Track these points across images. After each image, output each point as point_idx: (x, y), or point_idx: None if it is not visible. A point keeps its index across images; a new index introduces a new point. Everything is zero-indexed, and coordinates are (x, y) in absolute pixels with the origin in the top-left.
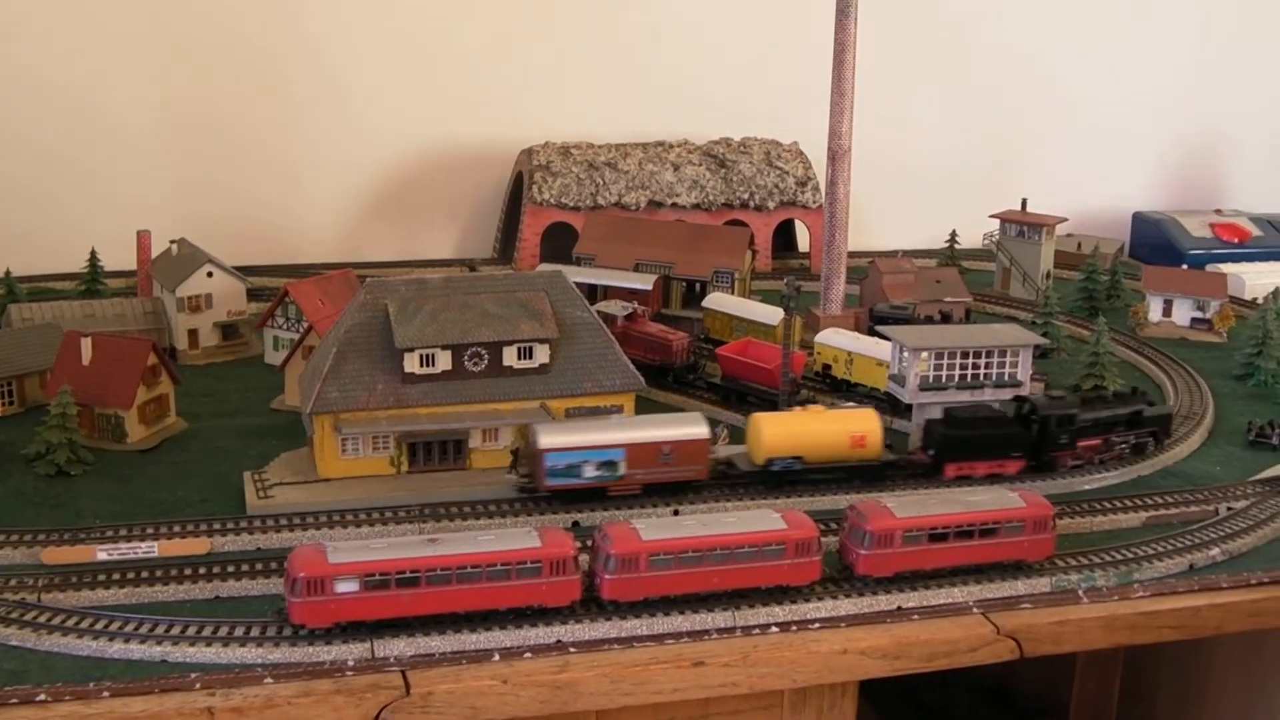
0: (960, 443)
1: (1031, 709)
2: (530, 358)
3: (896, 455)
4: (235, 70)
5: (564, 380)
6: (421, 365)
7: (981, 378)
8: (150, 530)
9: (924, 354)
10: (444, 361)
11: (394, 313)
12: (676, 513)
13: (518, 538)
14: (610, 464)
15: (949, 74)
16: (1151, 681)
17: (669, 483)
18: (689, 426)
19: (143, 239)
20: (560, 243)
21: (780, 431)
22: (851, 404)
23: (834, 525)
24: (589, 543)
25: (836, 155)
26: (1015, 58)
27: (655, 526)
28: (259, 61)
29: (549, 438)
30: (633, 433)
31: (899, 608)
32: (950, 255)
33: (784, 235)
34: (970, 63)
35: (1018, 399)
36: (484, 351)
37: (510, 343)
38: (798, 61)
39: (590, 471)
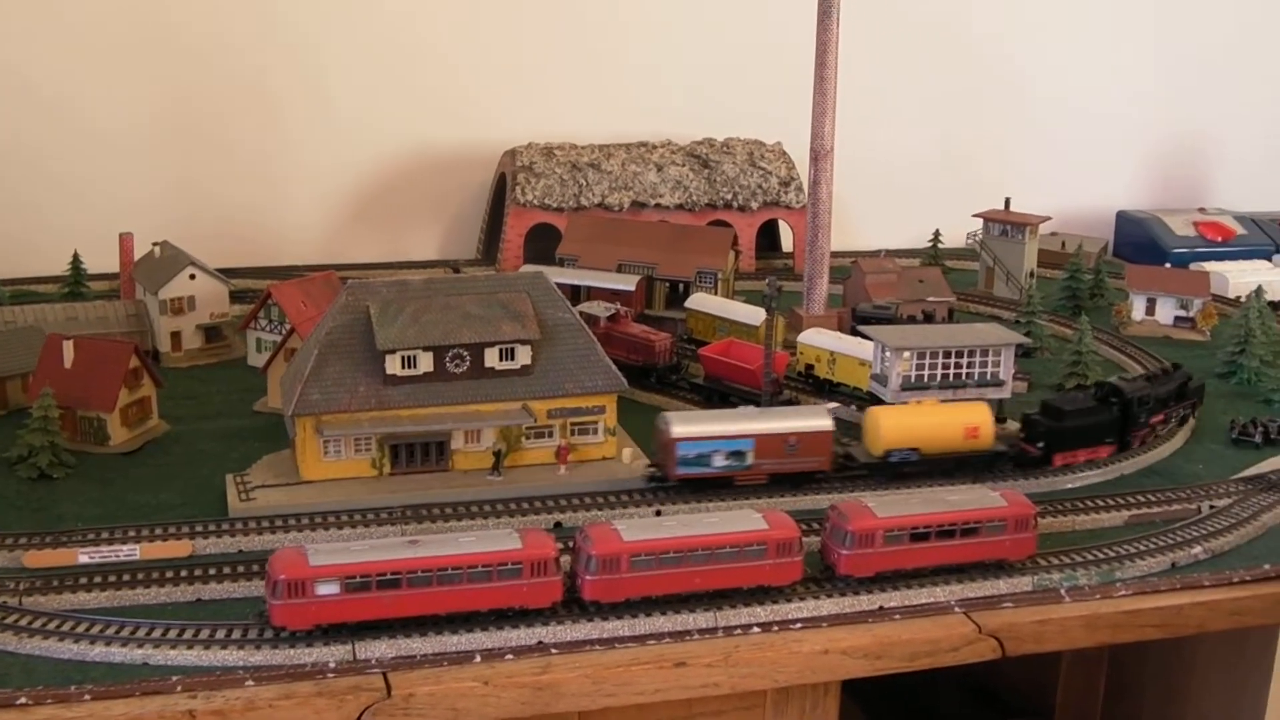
0: (1067, 434)
1: (1017, 708)
2: (512, 359)
3: (1007, 446)
4: (218, 72)
5: (546, 381)
6: (403, 367)
7: (964, 377)
8: (132, 533)
9: (906, 354)
10: (426, 363)
11: (375, 314)
12: (659, 513)
13: (499, 539)
14: (739, 454)
15: (932, 73)
16: (1136, 680)
17: (793, 473)
18: (814, 419)
19: (125, 241)
20: (544, 244)
21: (898, 424)
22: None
23: (816, 525)
24: (570, 544)
25: (819, 155)
26: (999, 57)
27: (636, 527)
28: (242, 64)
29: (682, 427)
30: (762, 424)
31: (881, 607)
32: (934, 255)
33: (768, 235)
34: (953, 62)
35: (1099, 384)
36: (466, 353)
37: (492, 344)
38: (781, 61)
39: (719, 461)
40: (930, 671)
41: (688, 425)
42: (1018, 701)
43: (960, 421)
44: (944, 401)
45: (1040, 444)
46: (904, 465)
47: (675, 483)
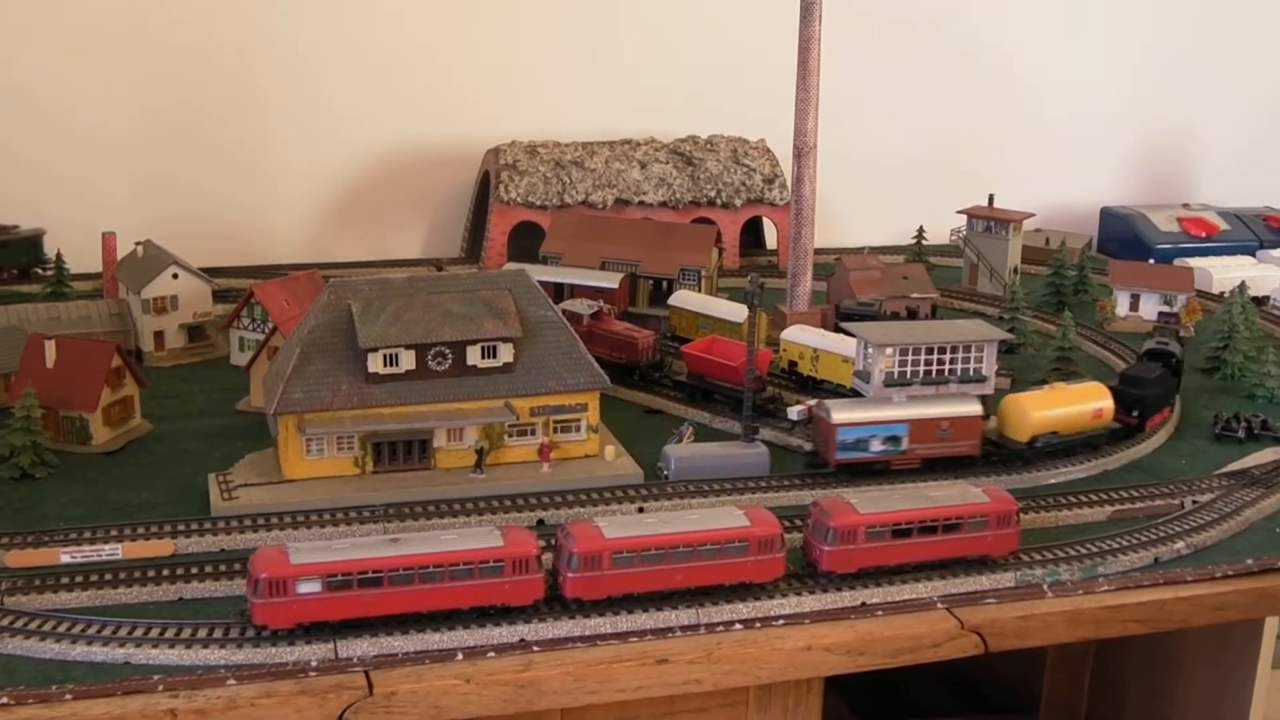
0: (1149, 400)
1: (1002, 703)
2: (494, 356)
3: (1115, 424)
4: (201, 71)
5: (528, 379)
6: (385, 365)
7: (946, 373)
8: (114, 533)
9: (888, 350)
10: (408, 361)
11: (357, 313)
12: (641, 510)
13: (480, 537)
14: (895, 439)
15: (916, 70)
16: (1121, 674)
17: (945, 458)
18: (964, 405)
19: (108, 241)
20: (528, 242)
21: (1044, 411)
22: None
23: (798, 522)
24: (552, 541)
25: (802, 153)
26: (983, 54)
27: (618, 524)
28: (226, 63)
29: (842, 413)
30: (916, 409)
31: (863, 604)
32: (918, 251)
33: (752, 232)
34: (938, 58)
35: (1154, 353)
36: (448, 351)
37: (474, 342)
38: (765, 58)
39: (877, 446)
40: (915, 667)
41: (847, 411)
42: (1003, 697)
43: (1090, 405)
44: (1068, 385)
45: (1134, 413)
46: (1047, 448)
47: (834, 468)
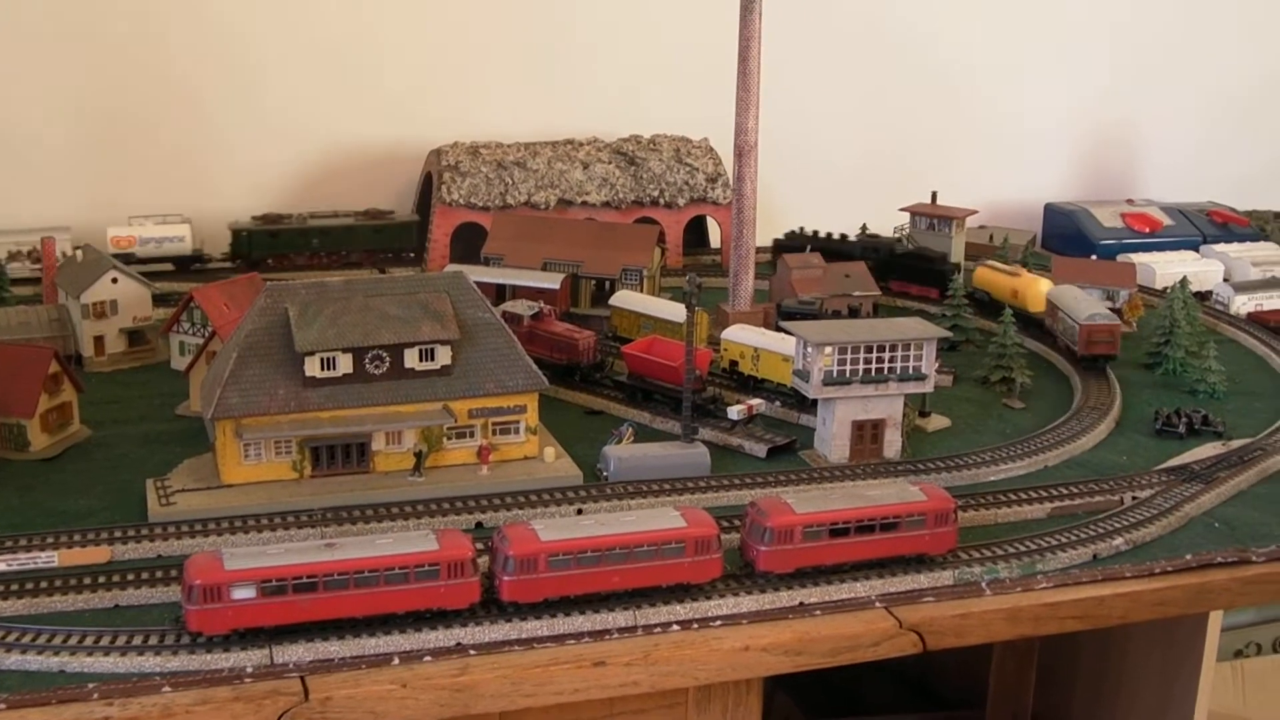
0: None
1: (951, 699)
2: (432, 359)
3: None
4: (142, 71)
5: (466, 381)
6: (323, 369)
7: (886, 371)
8: (50, 540)
9: (827, 349)
10: (345, 365)
11: (294, 316)
12: (580, 511)
13: (415, 541)
14: None
15: (859, 67)
16: (1068, 668)
17: None
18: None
19: (47, 245)
20: (470, 243)
21: None
22: None
23: (736, 522)
24: (488, 544)
25: (743, 151)
26: (926, 50)
27: (554, 527)
28: (167, 62)
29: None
30: None
31: (801, 603)
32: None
33: (696, 232)
34: (880, 56)
35: None
36: (385, 354)
37: (411, 345)
38: (707, 57)
39: None
40: (865, 664)
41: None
42: (951, 692)
43: None
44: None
45: None
46: None
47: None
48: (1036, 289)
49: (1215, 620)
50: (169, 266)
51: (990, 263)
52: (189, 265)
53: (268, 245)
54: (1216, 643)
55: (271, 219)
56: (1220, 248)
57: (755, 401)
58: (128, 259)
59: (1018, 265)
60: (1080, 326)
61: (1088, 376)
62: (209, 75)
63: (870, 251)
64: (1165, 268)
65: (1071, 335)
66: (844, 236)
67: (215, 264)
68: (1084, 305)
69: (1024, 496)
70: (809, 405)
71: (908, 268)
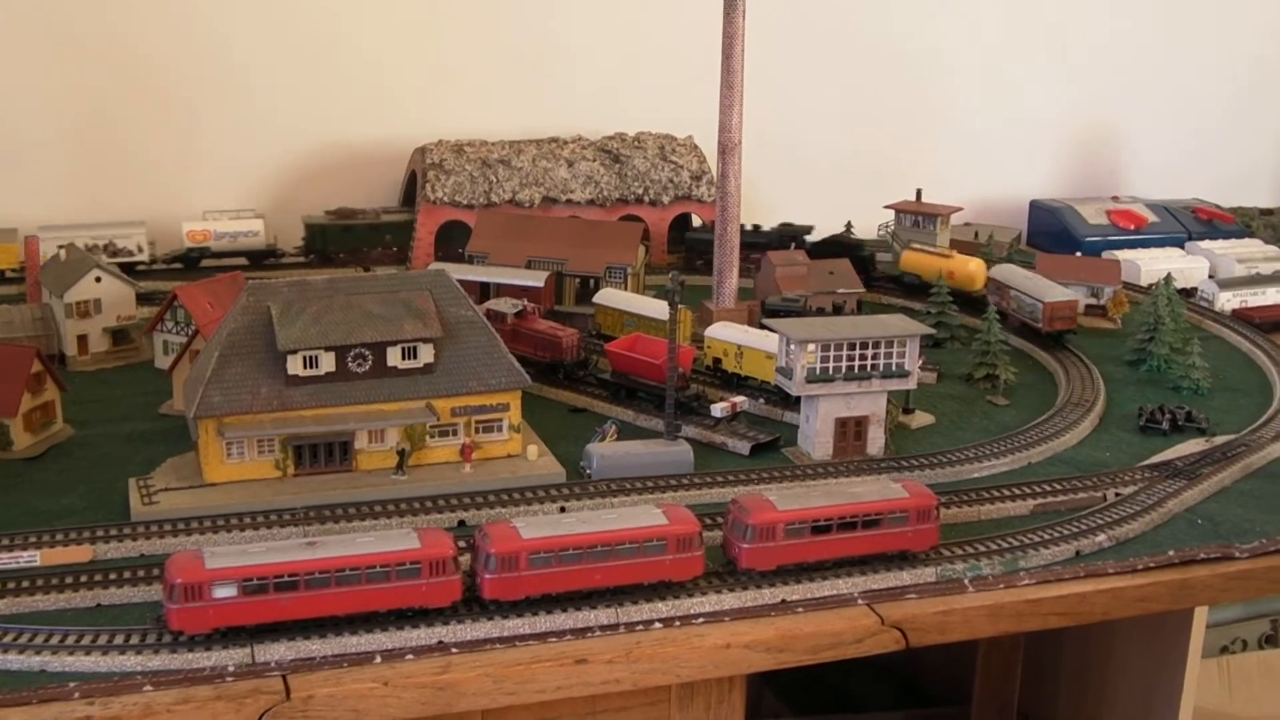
0: None
1: (937, 696)
2: (414, 357)
3: None
4: (127, 72)
5: (449, 379)
6: (305, 367)
7: (869, 368)
8: (33, 539)
9: (810, 346)
10: (328, 363)
11: (276, 315)
12: (563, 509)
13: (397, 539)
14: None
15: (846, 65)
16: (1053, 665)
17: None
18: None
19: (31, 244)
20: (455, 241)
21: None
22: None
23: (718, 519)
24: (470, 542)
25: (727, 149)
26: (912, 48)
27: (535, 525)
28: (152, 63)
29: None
30: None
31: (783, 601)
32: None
33: (682, 229)
34: (866, 53)
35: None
36: (368, 352)
37: (394, 343)
38: (692, 54)
39: None
40: (851, 661)
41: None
42: (937, 689)
43: None
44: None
45: None
46: None
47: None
48: (968, 269)
49: (1200, 617)
50: (243, 260)
51: (917, 245)
52: (263, 259)
53: (341, 240)
54: (1202, 639)
55: (345, 214)
56: (1205, 244)
57: (739, 399)
58: (203, 253)
59: (946, 247)
60: (1044, 304)
61: (1065, 363)
62: (193, 79)
63: (787, 240)
64: (1150, 264)
65: (1033, 313)
66: (756, 227)
67: (289, 258)
68: (1041, 285)
69: (1007, 493)
70: (792, 402)
71: (825, 256)
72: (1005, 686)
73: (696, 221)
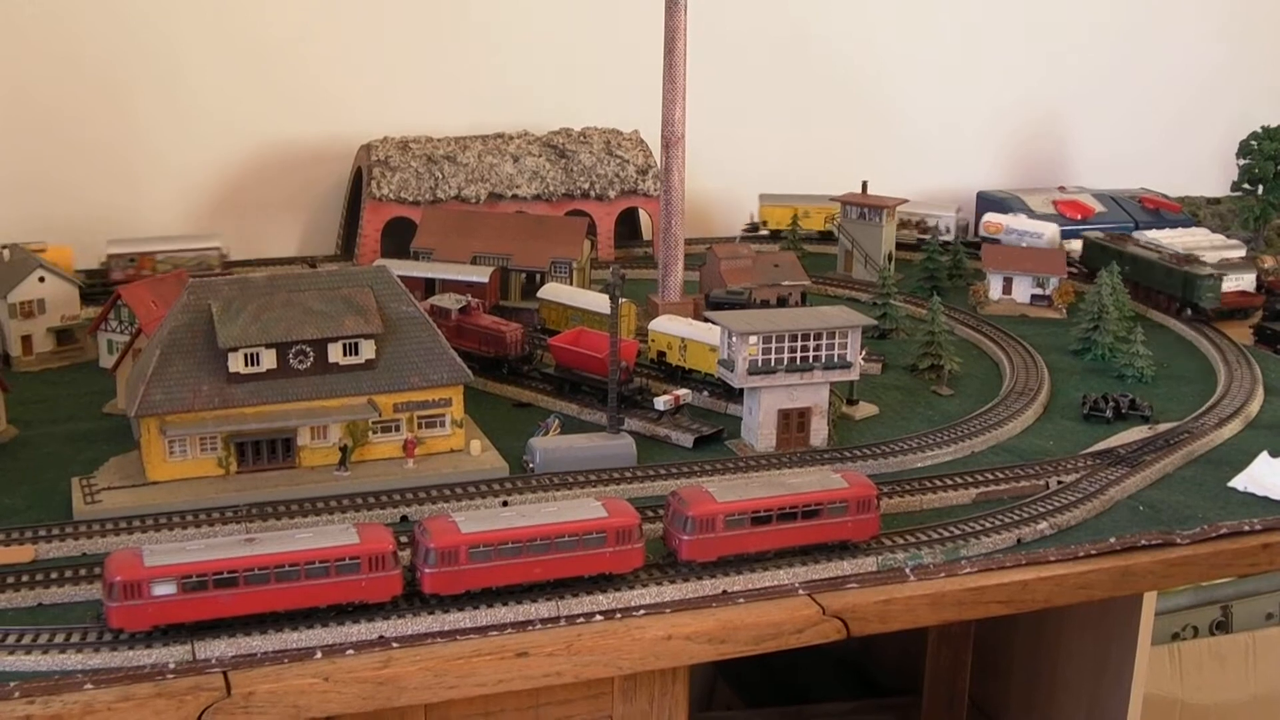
0: None
1: (889, 685)
2: (356, 354)
3: None
4: (65, 70)
5: (391, 375)
6: (246, 365)
7: (811, 360)
8: None
9: (752, 338)
10: (269, 360)
11: (217, 313)
12: (506, 504)
13: (336, 534)
14: None
15: (789, 57)
16: (1004, 653)
17: None
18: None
19: None
20: (402, 238)
21: None
22: None
23: (659, 511)
24: (409, 537)
25: (670, 143)
26: (856, 40)
27: (475, 519)
28: (91, 60)
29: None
30: None
31: (724, 592)
32: (793, 239)
33: (628, 224)
34: (810, 46)
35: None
36: (309, 349)
37: (335, 339)
38: (636, 49)
39: None
40: (803, 652)
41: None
42: (889, 678)
43: None
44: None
45: None
46: None
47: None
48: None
49: (1149, 603)
50: None
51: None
52: None
53: None
54: (1151, 626)
55: None
56: (1151, 234)
57: (682, 392)
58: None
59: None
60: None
61: (1010, 352)
62: (134, 77)
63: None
64: None
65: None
66: None
67: None
68: None
69: (949, 482)
70: (736, 395)
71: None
72: (956, 676)
73: (645, 220)
